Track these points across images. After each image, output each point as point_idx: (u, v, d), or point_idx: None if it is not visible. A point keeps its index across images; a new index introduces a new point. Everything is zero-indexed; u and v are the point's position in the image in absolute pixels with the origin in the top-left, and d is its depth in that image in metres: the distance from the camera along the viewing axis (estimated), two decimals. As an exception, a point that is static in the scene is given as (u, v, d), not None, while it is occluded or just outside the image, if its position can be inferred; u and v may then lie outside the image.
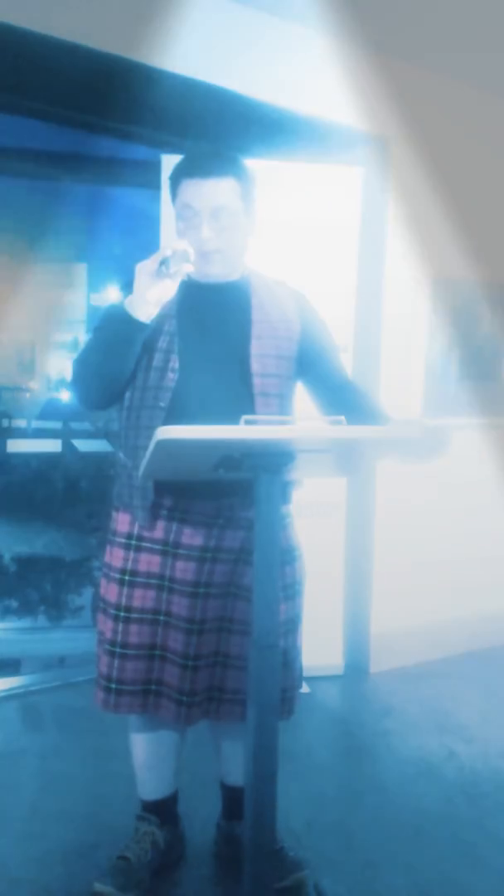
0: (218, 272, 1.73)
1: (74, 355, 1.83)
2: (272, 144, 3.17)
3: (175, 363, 1.69)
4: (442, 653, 3.59)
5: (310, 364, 1.81)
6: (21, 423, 4.13)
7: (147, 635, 1.75)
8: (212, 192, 1.67)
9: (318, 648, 2.94)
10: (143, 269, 1.60)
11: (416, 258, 3.40)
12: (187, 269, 1.60)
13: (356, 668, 3.41)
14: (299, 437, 1.47)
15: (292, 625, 1.81)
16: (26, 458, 4.13)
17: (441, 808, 2.34)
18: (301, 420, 1.74)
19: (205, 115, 3.03)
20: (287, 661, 1.76)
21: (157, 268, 1.57)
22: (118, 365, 1.69)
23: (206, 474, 1.46)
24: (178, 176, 1.72)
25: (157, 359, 1.70)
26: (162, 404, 1.68)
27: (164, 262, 1.56)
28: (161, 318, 1.68)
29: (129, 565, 1.75)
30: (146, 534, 1.74)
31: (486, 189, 3.54)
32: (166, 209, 1.79)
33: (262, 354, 1.73)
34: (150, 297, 1.61)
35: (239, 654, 1.73)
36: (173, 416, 1.63)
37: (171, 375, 1.69)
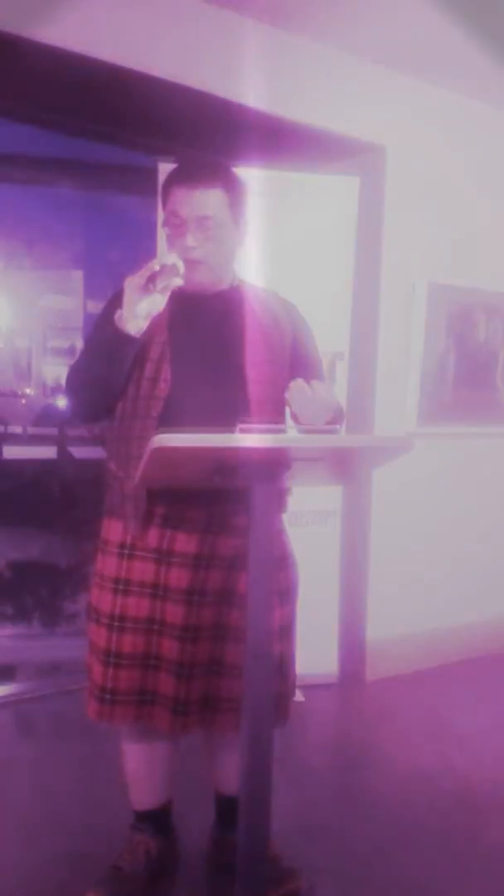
0: (202, 281, 1.74)
1: (70, 362, 1.84)
2: (269, 153, 3.18)
3: (167, 373, 1.70)
4: (437, 661, 3.59)
5: (296, 374, 1.82)
6: (17, 429, 4.14)
7: (141, 644, 1.74)
8: (198, 201, 1.68)
9: (313, 656, 2.94)
10: (132, 284, 1.61)
11: (412, 266, 3.41)
12: (176, 283, 1.61)
13: (351, 675, 3.40)
14: (296, 445, 1.48)
15: (286, 632, 1.81)
16: (22, 464, 4.14)
17: (436, 817, 2.33)
18: (294, 428, 1.74)
19: (202, 124, 3.05)
20: (282, 668, 1.76)
21: (145, 283, 1.58)
22: (109, 377, 1.70)
23: (201, 482, 1.46)
24: (169, 183, 1.73)
25: (149, 369, 1.71)
26: (154, 414, 1.68)
27: (152, 278, 1.57)
28: (152, 328, 1.68)
29: (123, 574, 1.74)
30: (139, 542, 1.73)
31: (481, 197, 3.56)
32: (163, 216, 1.80)
33: (257, 362, 1.74)
34: (139, 312, 1.62)
35: (234, 662, 1.72)
36: (165, 426, 1.62)
37: (162, 385, 1.69)
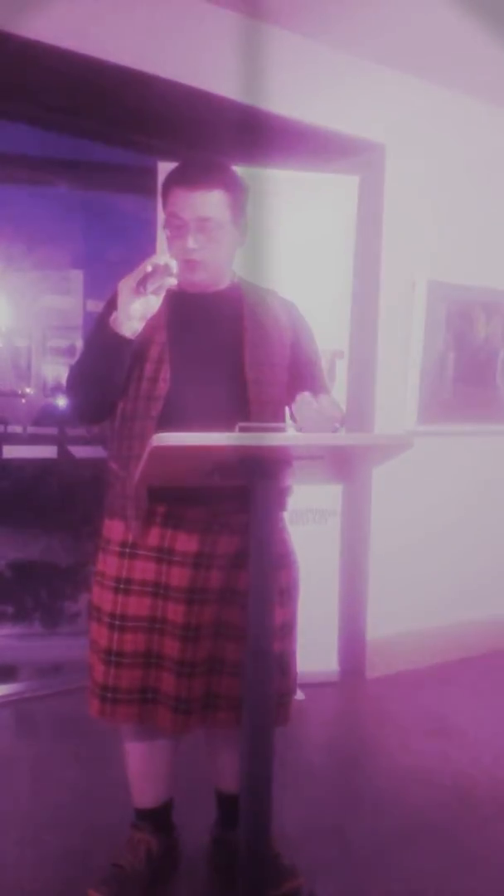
0: (202, 281, 1.75)
1: (70, 361, 1.84)
2: (269, 152, 3.18)
3: (166, 373, 1.70)
4: (437, 658, 3.60)
5: (295, 373, 1.82)
6: (17, 428, 4.13)
7: (142, 643, 1.74)
8: (199, 203, 1.68)
9: (314, 654, 2.94)
10: (125, 286, 1.61)
11: (412, 264, 3.41)
12: (170, 283, 1.61)
13: (352, 673, 3.40)
14: (295, 444, 1.48)
15: (287, 630, 1.81)
16: (22, 463, 4.13)
17: (436, 815, 2.34)
18: (293, 427, 1.74)
19: (201, 123, 3.05)
20: (282, 666, 1.77)
21: (137, 285, 1.58)
22: (107, 378, 1.71)
23: (201, 481, 1.47)
24: (169, 184, 1.73)
25: (149, 369, 1.71)
26: (153, 413, 1.68)
27: (143, 280, 1.57)
28: (151, 328, 1.69)
29: (124, 573, 1.75)
30: (140, 541, 1.73)
31: (481, 195, 3.56)
32: (162, 216, 1.80)
33: (257, 362, 1.74)
34: (134, 313, 1.62)
35: (235, 661, 1.72)
36: (165, 426, 1.63)
37: (162, 385, 1.70)
